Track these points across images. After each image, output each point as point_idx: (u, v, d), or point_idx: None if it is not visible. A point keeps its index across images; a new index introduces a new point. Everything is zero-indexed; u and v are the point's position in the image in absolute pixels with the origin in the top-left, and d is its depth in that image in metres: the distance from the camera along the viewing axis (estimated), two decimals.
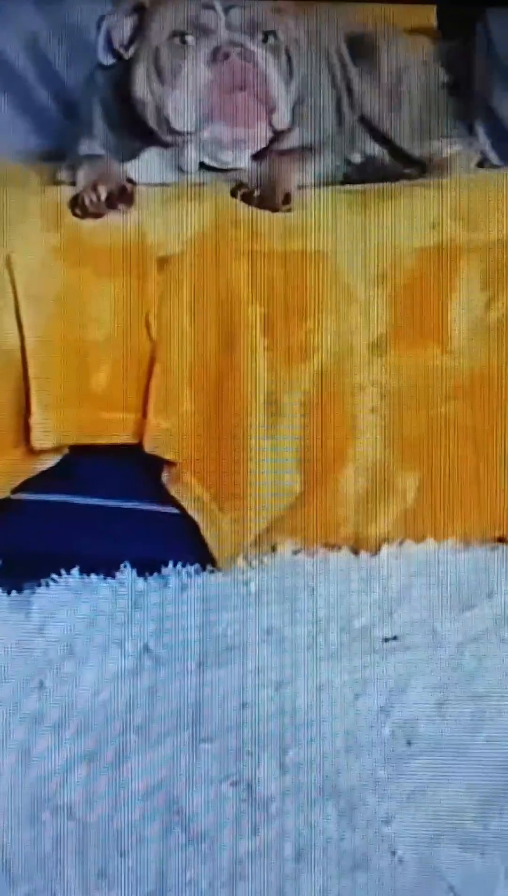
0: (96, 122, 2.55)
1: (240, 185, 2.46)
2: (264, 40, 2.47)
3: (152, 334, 2.38)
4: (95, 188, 2.41)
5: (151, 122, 2.48)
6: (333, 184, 2.55)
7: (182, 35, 2.45)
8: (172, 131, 2.46)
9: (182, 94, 2.44)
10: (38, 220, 2.40)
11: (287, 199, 2.44)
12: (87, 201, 2.41)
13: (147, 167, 2.51)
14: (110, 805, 1.96)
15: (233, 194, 2.45)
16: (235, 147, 2.47)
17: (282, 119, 2.48)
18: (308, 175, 2.52)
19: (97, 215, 2.41)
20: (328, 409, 2.44)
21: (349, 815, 1.94)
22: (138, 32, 2.48)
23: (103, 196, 2.41)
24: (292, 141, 2.55)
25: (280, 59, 2.48)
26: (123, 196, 2.42)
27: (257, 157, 2.51)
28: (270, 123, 2.47)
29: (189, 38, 2.44)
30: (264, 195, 2.44)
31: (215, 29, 2.44)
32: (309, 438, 2.44)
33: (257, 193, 2.44)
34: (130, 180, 2.46)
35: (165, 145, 2.49)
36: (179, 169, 2.50)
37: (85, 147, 2.54)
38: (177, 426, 2.38)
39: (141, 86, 2.48)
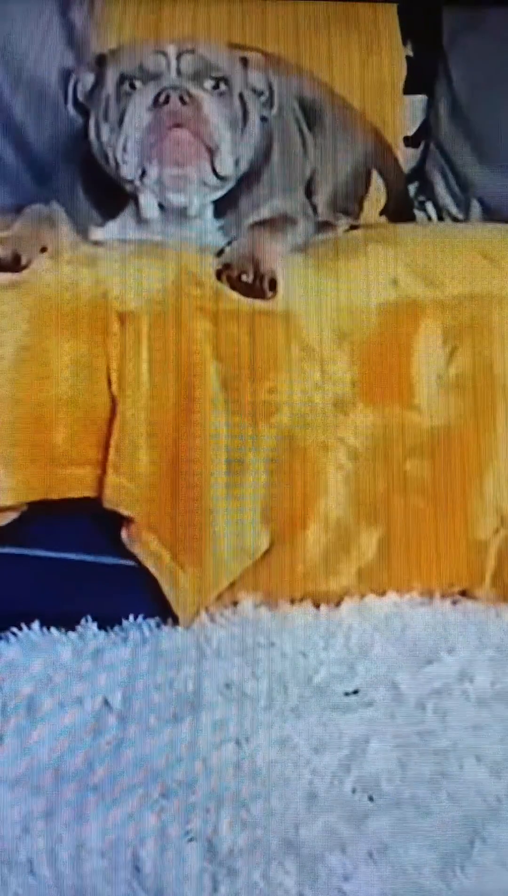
0: (74, 187, 2.55)
1: (226, 266, 2.44)
2: (215, 87, 2.46)
3: (113, 390, 2.37)
4: None
5: (109, 172, 2.48)
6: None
7: (131, 80, 2.45)
8: (124, 179, 2.47)
9: (125, 138, 2.44)
10: None
11: (273, 285, 2.42)
12: None
13: (121, 228, 2.53)
14: (70, 862, 1.94)
15: (218, 276, 2.43)
16: (183, 189, 2.47)
17: (224, 163, 2.46)
18: (288, 247, 2.52)
19: None
20: (295, 466, 2.44)
21: (308, 872, 1.92)
22: (98, 83, 2.50)
23: None
24: (267, 209, 2.56)
25: (230, 104, 2.47)
26: (13, 264, 2.41)
27: (222, 205, 2.52)
28: (211, 164, 2.46)
29: (137, 83, 2.44)
30: (252, 284, 2.41)
31: (162, 74, 2.44)
32: (274, 497, 2.43)
33: (244, 279, 2.41)
34: (43, 248, 2.45)
35: (136, 204, 2.50)
36: (144, 220, 2.51)
37: (42, 208, 2.54)
38: (136, 482, 2.37)
39: (93, 134, 2.49)
